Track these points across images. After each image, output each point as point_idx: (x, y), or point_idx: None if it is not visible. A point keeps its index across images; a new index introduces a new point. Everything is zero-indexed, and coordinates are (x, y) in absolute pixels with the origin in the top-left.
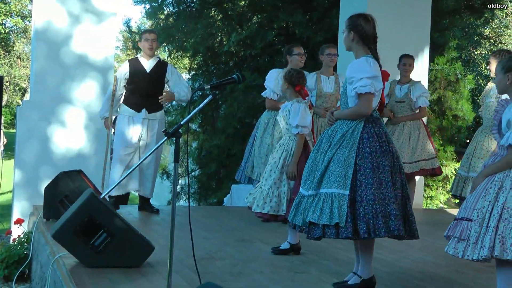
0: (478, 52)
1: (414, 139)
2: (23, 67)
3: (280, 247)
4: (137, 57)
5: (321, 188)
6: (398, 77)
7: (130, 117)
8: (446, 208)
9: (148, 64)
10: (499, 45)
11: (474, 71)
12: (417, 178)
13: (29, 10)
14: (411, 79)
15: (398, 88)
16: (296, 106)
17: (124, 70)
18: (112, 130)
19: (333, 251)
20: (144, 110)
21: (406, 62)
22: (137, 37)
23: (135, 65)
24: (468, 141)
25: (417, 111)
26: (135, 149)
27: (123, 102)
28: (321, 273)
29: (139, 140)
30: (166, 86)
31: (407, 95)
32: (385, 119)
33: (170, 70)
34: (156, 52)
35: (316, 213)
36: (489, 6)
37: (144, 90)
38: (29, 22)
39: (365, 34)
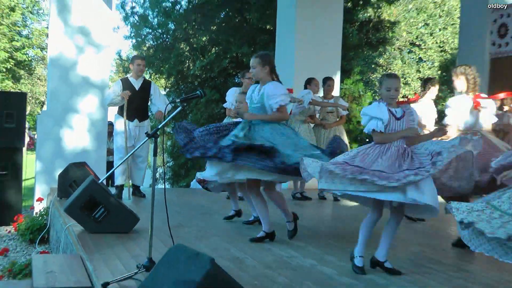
0: (375, 76)
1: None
2: (42, 86)
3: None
4: (127, 77)
5: None
6: (321, 94)
7: (126, 125)
8: None
9: (137, 83)
10: (389, 70)
11: (371, 89)
12: None
13: (46, 43)
14: (333, 95)
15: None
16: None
17: (118, 88)
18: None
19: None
20: (136, 120)
21: (331, 84)
22: (126, 63)
23: (126, 84)
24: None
25: (340, 118)
26: (131, 148)
27: (118, 113)
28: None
29: (133, 142)
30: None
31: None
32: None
33: (153, 88)
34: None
35: None
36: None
37: (135, 104)
38: (46, 52)
39: (274, 66)
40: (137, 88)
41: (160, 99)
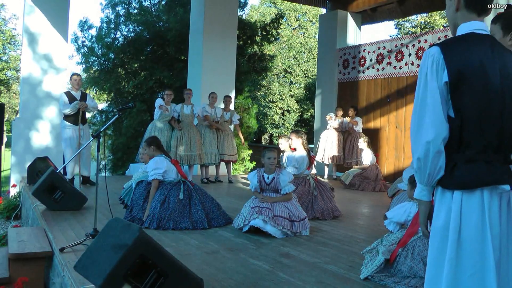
0: (259, 93)
1: (231, 140)
2: (16, 98)
3: None
4: (69, 91)
5: None
6: (222, 106)
7: (72, 128)
8: None
9: (77, 95)
10: (269, 90)
11: (257, 103)
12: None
13: (20, 66)
14: (230, 108)
15: (224, 114)
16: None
17: (65, 99)
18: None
19: None
20: (80, 124)
21: (229, 100)
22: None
23: (69, 96)
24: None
25: (233, 124)
26: (77, 145)
27: (64, 119)
28: None
29: (78, 141)
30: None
31: (230, 118)
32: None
33: (88, 97)
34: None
35: None
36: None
37: (77, 111)
38: (20, 73)
39: (158, 144)
40: (78, 99)
41: (93, 102)
